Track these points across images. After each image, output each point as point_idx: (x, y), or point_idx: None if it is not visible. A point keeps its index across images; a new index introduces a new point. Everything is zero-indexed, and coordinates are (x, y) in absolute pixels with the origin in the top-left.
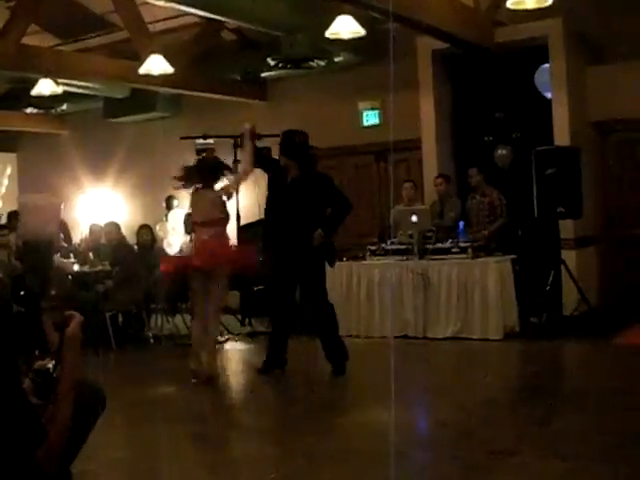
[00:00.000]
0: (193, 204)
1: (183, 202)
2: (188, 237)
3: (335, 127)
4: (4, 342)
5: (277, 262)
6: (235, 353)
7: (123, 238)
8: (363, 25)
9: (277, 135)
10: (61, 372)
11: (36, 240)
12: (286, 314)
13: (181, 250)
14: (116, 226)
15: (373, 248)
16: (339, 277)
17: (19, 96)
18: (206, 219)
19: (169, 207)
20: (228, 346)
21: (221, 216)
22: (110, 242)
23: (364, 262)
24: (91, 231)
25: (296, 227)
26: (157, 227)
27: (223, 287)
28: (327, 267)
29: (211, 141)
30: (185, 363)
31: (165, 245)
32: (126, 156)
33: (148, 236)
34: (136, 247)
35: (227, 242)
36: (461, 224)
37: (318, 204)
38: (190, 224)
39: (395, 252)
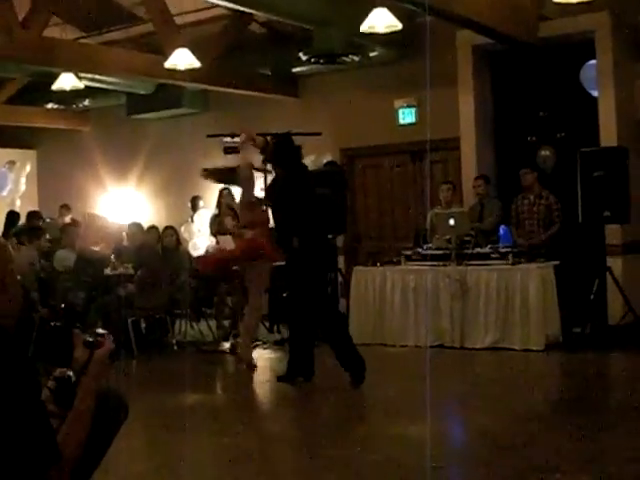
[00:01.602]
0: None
1: (209, 202)
2: (214, 239)
3: (369, 125)
4: (24, 353)
5: (285, 268)
6: (262, 361)
7: (146, 240)
8: (400, 19)
9: (309, 133)
10: (81, 393)
11: (91, 258)
12: (301, 320)
13: (207, 252)
14: (139, 227)
15: (408, 253)
16: (372, 283)
17: (40, 91)
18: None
19: (195, 208)
20: (255, 354)
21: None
22: (133, 244)
23: (399, 267)
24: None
25: (281, 233)
26: (182, 229)
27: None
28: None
29: (239, 139)
30: (210, 370)
31: (190, 247)
32: (150, 154)
33: (173, 238)
34: (160, 249)
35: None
36: (502, 228)
37: (296, 213)
38: (216, 225)
39: (432, 257)
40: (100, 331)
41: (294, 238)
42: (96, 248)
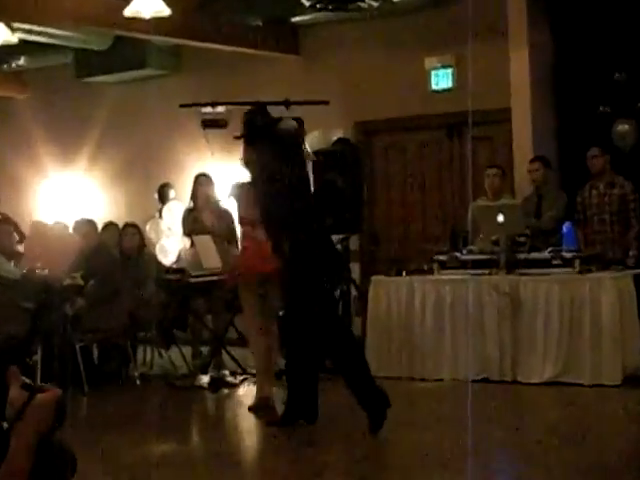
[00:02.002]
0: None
1: (182, 192)
2: (189, 241)
3: (393, 92)
4: None
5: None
6: (252, 399)
7: (101, 241)
8: None
9: (313, 102)
10: (14, 443)
11: (37, 282)
12: (301, 347)
13: (179, 258)
14: (91, 225)
15: (443, 258)
16: (396, 297)
17: None
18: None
19: (163, 199)
20: (242, 391)
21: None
22: (83, 247)
23: (431, 277)
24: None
25: (271, 236)
26: (147, 226)
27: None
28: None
29: (221, 109)
30: (183, 412)
31: (158, 251)
32: (105, 129)
33: (135, 238)
34: (118, 253)
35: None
36: (565, 226)
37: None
38: (191, 222)
39: (474, 264)
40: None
41: (284, 242)
42: (44, 270)
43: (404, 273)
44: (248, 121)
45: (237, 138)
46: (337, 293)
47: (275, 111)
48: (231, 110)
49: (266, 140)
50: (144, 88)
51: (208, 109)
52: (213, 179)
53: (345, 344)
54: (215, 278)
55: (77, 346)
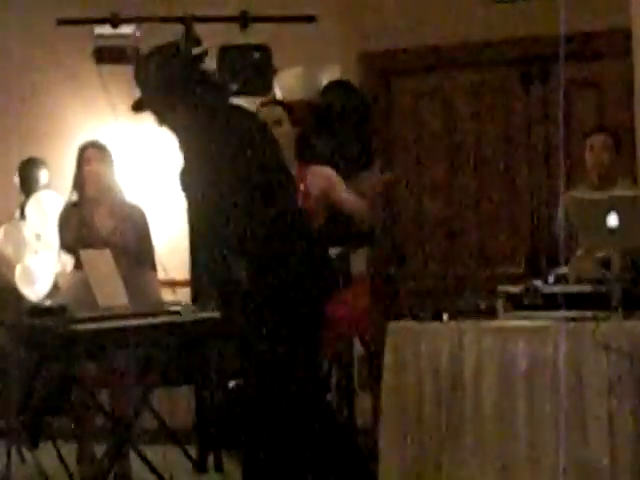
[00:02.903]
0: None
1: (60, 176)
2: (71, 259)
3: (424, 1)
4: None
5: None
6: None
7: None
8: None
9: (291, 19)
10: None
11: None
12: (264, 444)
13: (55, 289)
14: None
15: (515, 291)
16: (430, 359)
17: None
18: None
19: (28, 187)
20: None
21: None
22: None
23: (492, 324)
24: None
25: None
26: (0, 233)
27: None
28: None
29: (129, 30)
30: None
31: (19, 276)
32: None
33: None
34: None
35: None
36: None
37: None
38: (76, 227)
39: (568, 301)
40: None
41: (238, 262)
42: None
43: (445, 316)
44: (163, 62)
45: (63, 23)
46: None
47: (225, 35)
48: (147, 31)
49: (202, 98)
50: None
51: (106, 29)
52: (111, 152)
53: (333, 440)
54: (122, 324)
55: None
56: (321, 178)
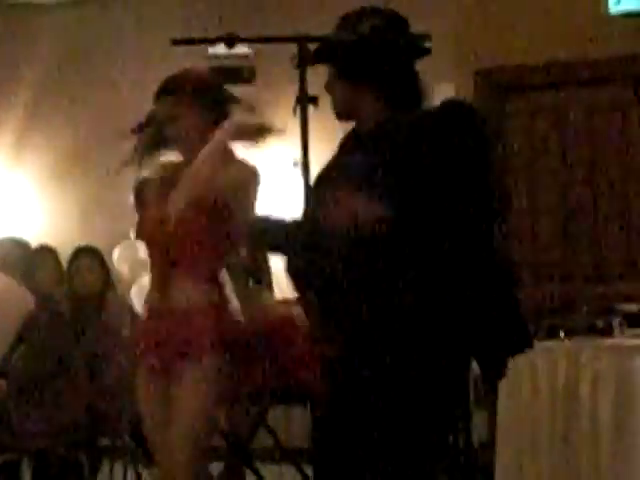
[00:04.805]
0: None
1: None
2: None
3: (539, 17)
4: None
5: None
6: None
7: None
8: None
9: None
10: None
11: None
12: None
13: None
14: (20, 247)
15: (632, 309)
16: (548, 380)
17: None
18: None
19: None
20: None
21: None
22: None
23: (608, 342)
24: None
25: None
26: (116, 253)
27: None
28: None
29: (246, 50)
30: None
31: (134, 294)
32: (43, 83)
33: (93, 275)
34: (67, 299)
35: None
36: None
37: None
38: None
39: None
40: None
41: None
42: None
43: (562, 334)
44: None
45: (178, 43)
46: None
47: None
48: (261, 50)
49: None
50: (105, 13)
51: (220, 49)
52: None
53: None
54: None
55: None
56: None
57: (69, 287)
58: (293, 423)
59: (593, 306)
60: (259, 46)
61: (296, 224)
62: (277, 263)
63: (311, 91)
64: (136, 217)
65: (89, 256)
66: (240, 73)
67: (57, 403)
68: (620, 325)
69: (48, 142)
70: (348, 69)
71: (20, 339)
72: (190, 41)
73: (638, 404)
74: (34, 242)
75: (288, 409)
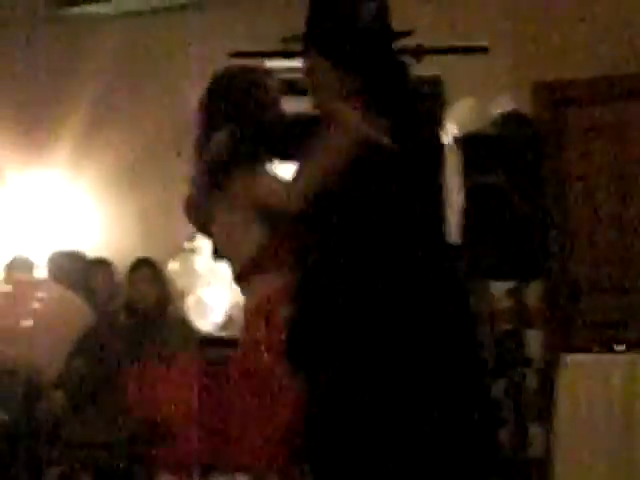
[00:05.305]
0: None
1: None
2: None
3: (605, 31)
4: None
5: None
6: None
7: (92, 290)
8: None
9: (461, 49)
10: None
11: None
12: None
13: (227, 321)
14: (74, 260)
15: None
16: (605, 392)
17: None
18: None
19: None
20: None
21: None
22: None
23: None
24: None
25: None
26: (170, 267)
27: None
28: None
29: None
30: None
31: (193, 307)
32: (100, 96)
33: (151, 287)
34: (123, 313)
35: None
36: None
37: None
38: None
39: None
40: None
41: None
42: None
43: (619, 348)
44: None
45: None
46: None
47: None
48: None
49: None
50: (157, 27)
51: (277, 62)
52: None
53: None
54: None
55: (53, 474)
56: None
57: (126, 299)
58: None
59: None
60: None
61: None
62: None
63: None
64: (191, 229)
65: (147, 268)
66: (297, 86)
67: (114, 416)
68: None
69: (106, 155)
70: (345, 56)
71: (78, 351)
72: (248, 54)
73: None
74: (91, 255)
75: None
